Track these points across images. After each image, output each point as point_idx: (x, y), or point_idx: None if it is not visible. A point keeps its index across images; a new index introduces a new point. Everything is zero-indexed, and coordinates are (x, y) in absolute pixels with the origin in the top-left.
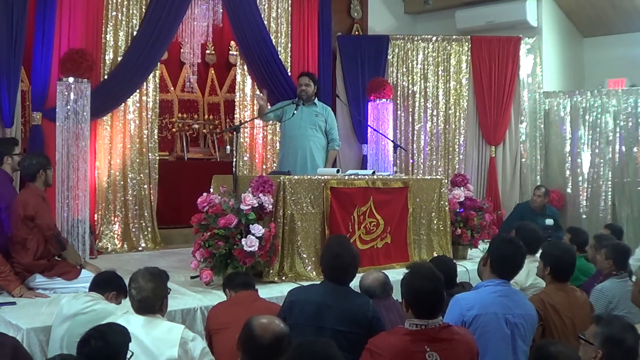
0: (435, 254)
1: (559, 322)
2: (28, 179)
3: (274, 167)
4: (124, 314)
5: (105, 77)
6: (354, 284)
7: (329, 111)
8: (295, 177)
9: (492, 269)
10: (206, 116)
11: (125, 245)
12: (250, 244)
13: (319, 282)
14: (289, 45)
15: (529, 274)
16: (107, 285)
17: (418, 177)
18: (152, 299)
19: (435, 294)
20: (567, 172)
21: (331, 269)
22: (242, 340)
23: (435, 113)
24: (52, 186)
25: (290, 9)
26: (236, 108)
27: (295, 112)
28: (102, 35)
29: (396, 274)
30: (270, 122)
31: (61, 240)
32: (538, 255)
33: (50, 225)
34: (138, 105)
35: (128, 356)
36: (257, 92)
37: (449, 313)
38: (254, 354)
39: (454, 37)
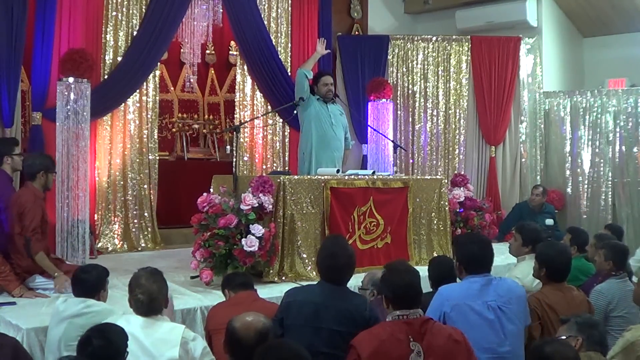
0: (435, 254)
1: (556, 322)
2: (28, 177)
3: (274, 167)
4: (122, 315)
5: (105, 77)
6: (357, 283)
7: (342, 109)
8: (295, 177)
9: (468, 273)
10: (206, 116)
11: (125, 245)
12: (250, 244)
13: (316, 283)
14: (289, 45)
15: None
16: (96, 288)
17: (418, 177)
18: (160, 299)
19: (412, 286)
20: (567, 172)
21: (327, 269)
22: (228, 343)
23: (435, 113)
24: (52, 186)
25: (290, 9)
26: (236, 108)
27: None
28: (102, 35)
29: None
30: (270, 122)
31: (30, 246)
32: None
33: (29, 227)
34: (138, 105)
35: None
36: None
37: (432, 303)
38: (243, 354)
39: (454, 37)
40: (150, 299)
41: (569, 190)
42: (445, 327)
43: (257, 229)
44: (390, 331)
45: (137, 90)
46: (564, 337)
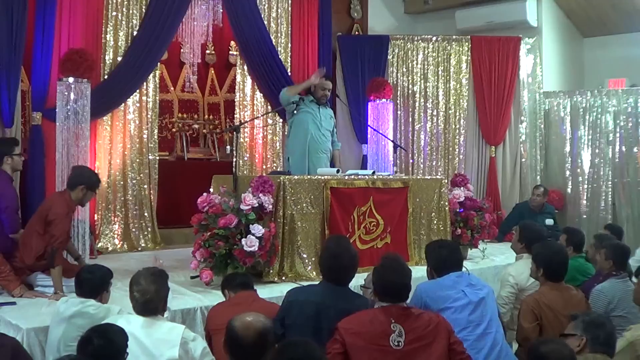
0: None
1: (554, 321)
2: (69, 185)
3: (274, 167)
4: (122, 315)
5: (105, 77)
6: (357, 283)
7: (332, 115)
8: (295, 177)
9: (439, 276)
10: (206, 116)
11: (125, 245)
12: (250, 244)
13: (317, 283)
14: (289, 45)
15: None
16: (98, 288)
17: (418, 177)
18: (156, 301)
19: (404, 286)
20: (567, 172)
21: (330, 269)
22: (228, 343)
23: (435, 113)
24: (52, 186)
25: (290, 9)
26: (236, 108)
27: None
28: (102, 35)
29: None
30: (270, 122)
31: (53, 258)
32: None
33: (58, 239)
34: (138, 105)
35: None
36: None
37: (412, 298)
38: (241, 354)
39: (454, 37)
40: (144, 298)
41: (569, 190)
42: (424, 312)
43: (257, 229)
44: (373, 314)
45: (137, 90)
46: (570, 335)
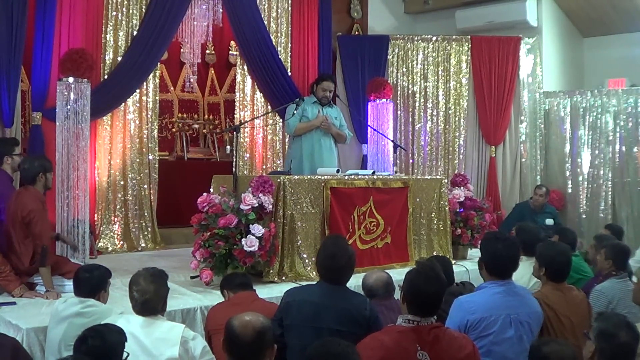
0: (435, 254)
1: (556, 322)
2: (28, 181)
3: (274, 167)
4: (122, 315)
5: (105, 77)
6: (357, 283)
7: (339, 111)
8: (295, 177)
9: (489, 273)
10: (206, 116)
11: (125, 245)
12: (250, 244)
13: (315, 283)
14: (289, 45)
15: (531, 277)
16: (96, 288)
17: (418, 177)
18: (155, 301)
19: (434, 296)
20: (567, 172)
21: (326, 269)
22: (226, 341)
23: (435, 113)
24: (52, 186)
25: (290, 9)
26: (236, 108)
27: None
28: (102, 35)
29: (396, 274)
30: (270, 122)
31: (46, 257)
32: None
33: (43, 235)
34: (138, 105)
35: (124, 357)
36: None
37: (452, 316)
38: (239, 352)
39: (454, 37)
40: (144, 298)
41: (569, 190)
42: (456, 336)
43: (257, 229)
44: (397, 339)
45: (137, 90)
46: (588, 337)
